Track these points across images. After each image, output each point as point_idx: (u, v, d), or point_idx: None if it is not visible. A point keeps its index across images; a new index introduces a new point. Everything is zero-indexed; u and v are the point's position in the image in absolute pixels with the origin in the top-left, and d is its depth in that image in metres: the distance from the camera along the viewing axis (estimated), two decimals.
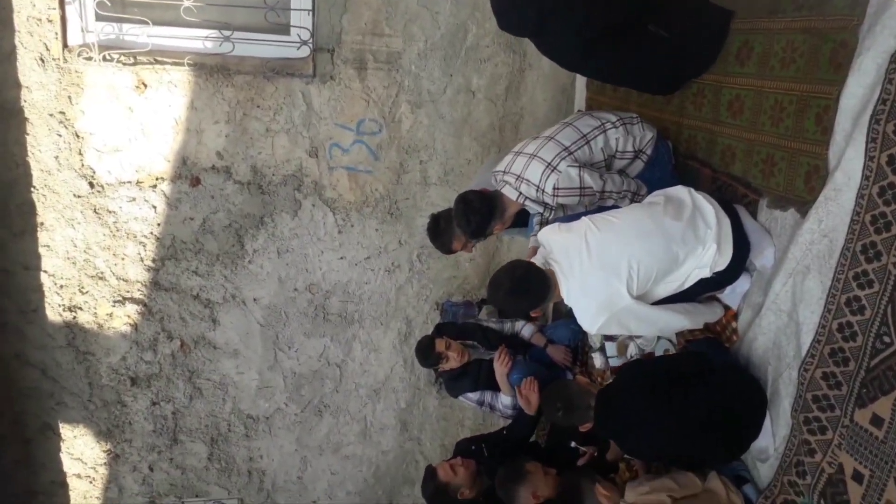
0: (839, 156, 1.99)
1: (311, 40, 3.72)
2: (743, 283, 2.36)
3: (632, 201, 2.66)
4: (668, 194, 2.34)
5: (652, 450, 2.41)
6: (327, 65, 3.78)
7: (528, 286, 2.31)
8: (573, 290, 2.26)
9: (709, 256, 2.17)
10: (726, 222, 2.21)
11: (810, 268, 2.09)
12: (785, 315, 2.20)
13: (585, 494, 2.48)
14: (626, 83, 3.03)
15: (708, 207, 2.23)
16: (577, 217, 2.57)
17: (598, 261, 2.19)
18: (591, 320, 2.27)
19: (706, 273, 2.19)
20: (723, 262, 2.20)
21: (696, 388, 2.27)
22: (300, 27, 3.73)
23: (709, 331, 2.51)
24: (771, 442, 2.24)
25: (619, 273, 2.16)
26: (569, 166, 2.59)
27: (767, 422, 2.24)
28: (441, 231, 3.24)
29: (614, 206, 2.70)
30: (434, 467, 3.30)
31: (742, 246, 2.23)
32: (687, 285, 2.23)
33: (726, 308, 2.44)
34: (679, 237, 2.18)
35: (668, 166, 2.82)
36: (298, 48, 3.76)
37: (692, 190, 2.32)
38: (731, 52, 2.54)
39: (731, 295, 2.39)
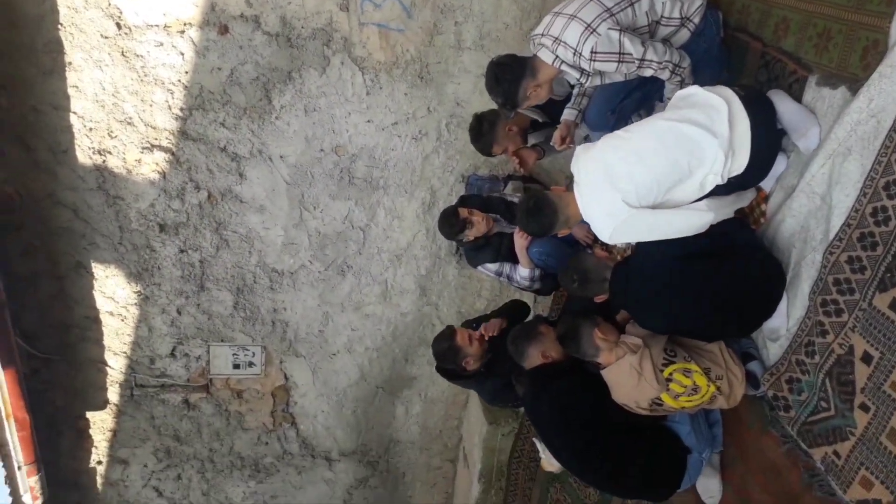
0: None
1: None
2: (779, 165, 2.29)
3: (672, 73, 2.54)
4: (681, 99, 2.26)
5: (665, 323, 2.45)
6: None
7: (539, 211, 2.48)
8: (584, 205, 2.35)
9: (718, 165, 2.10)
10: (743, 125, 2.11)
11: (852, 149, 2.01)
12: (818, 198, 2.15)
13: (583, 335, 2.54)
14: None
15: (719, 114, 2.12)
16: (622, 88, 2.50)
17: (602, 175, 2.25)
18: (601, 230, 2.35)
19: (720, 180, 2.13)
20: (738, 167, 2.13)
21: (714, 265, 2.28)
22: None
23: (737, 210, 2.47)
24: (784, 322, 2.26)
25: (616, 186, 2.20)
26: (609, 29, 2.46)
27: (783, 303, 2.24)
28: (483, 133, 3.20)
29: (653, 79, 2.59)
30: (455, 329, 3.42)
31: (767, 145, 2.15)
32: (706, 191, 2.18)
33: (758, 190, 2.39)
34: (679, 149, 2.13)
35: (715, 38, 2.67)
36: None
37: (708, 90, 2.21)
38: None
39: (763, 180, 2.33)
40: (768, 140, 2.17)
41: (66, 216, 3.90)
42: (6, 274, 3.72)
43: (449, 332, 3.41)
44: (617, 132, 2.40)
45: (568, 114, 3.10)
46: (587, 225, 3.42)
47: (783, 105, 2.23)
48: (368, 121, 4.08)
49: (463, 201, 3.67)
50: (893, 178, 1.87)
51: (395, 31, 3.88)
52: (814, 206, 2.16)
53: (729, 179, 2.16)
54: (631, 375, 2.34)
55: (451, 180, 4.36)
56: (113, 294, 4.17)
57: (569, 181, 2.99)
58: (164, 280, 4.20)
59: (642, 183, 2.20)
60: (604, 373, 2.47)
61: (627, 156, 2.22)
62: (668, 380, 2.29)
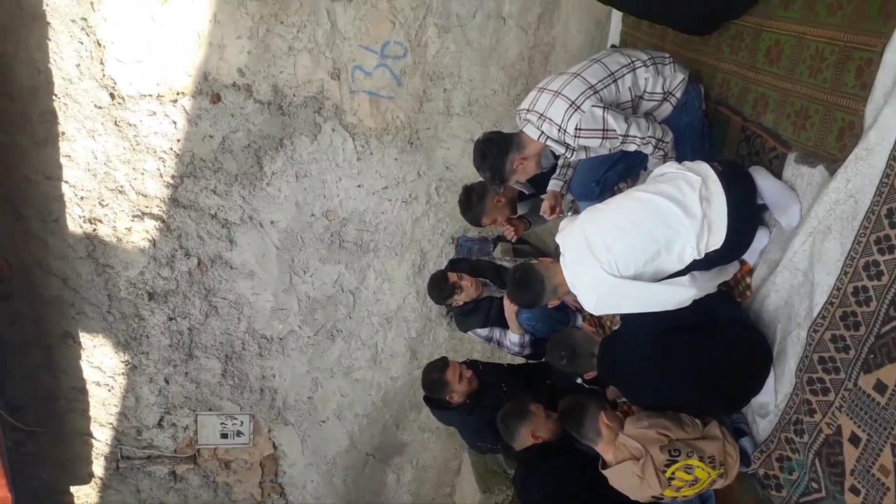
0: (875, 114, 1.90)
1: None
2: (761, 240, 2.30)
3: (655, 147, 2.58)
4: (657, 175, 2.30)
5: (653, 398, 2.43)
6: None
7: (526, 283, 2.48)
8: (569, 276, 2.34)
9: (692, 239, 2.12)
10: (719, 201, 2.12)
11: (832, 228, 2.02)
12: (801, 274, 2.15)
13: (588, 416, 2.51)
14: (663, 20, 2.89)
15: (692, 191, 2.15)
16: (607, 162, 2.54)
17: (583, 247, 2.27)
18: (586, 301, 2.35)
19: (696, 255, 2.15)
20: (715, 242, 2.14)
21: (700, 340, 2.27)
22: None
23: (722, 284, 2.47)
24: (772, 398, 2.24)
25: (597, 257, 2.21)
26: (593, 106, 2.50)
27: (771, 378, 2.23)
28: (472, 205, 3.24)
29: (637, 154, 2.62)
30: (448, 362, 3.40)
31: (745, 220, 2.17)
32: (685, 262, 2.19)
33: (742, 263, 2.39)
34: (656, 223, 2.16)
35: (697, 112, 2.70)
36: None
37: (686, 165, 2.25)
38: None
39: (749, 251, 2.34)
40: (747, 216, 2.18)
41: (56, 285, 3.90)
42: None
43: (442, 364, 3.40)
44: (598, 205, 2.44)
45: (554, 185, 3.13)
46: None
47: (764, 181, 2.26)
48: (359, 185, 4.12)
49: (453, 265, 3.67)
50: (872, 258, 1.87)
51: (385, 99, 3.95)
52: (797, 282, 2.16)
53: (707, 254, 2.17)
54: (633, 479, 2.30)
55: (440, 242, 4.38)
56: (100, 364, 4.13)
57: (557, 251, 3.02)
58: (152, 349, 4.17)
59: (621, 254, 2.22)
60: (605, 473, 2.42)
61: (606, 228, 2.26)
62: (671, 479, 2.25)
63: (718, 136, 2.67)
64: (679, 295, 2.24)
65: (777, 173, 2.32)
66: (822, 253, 2.05)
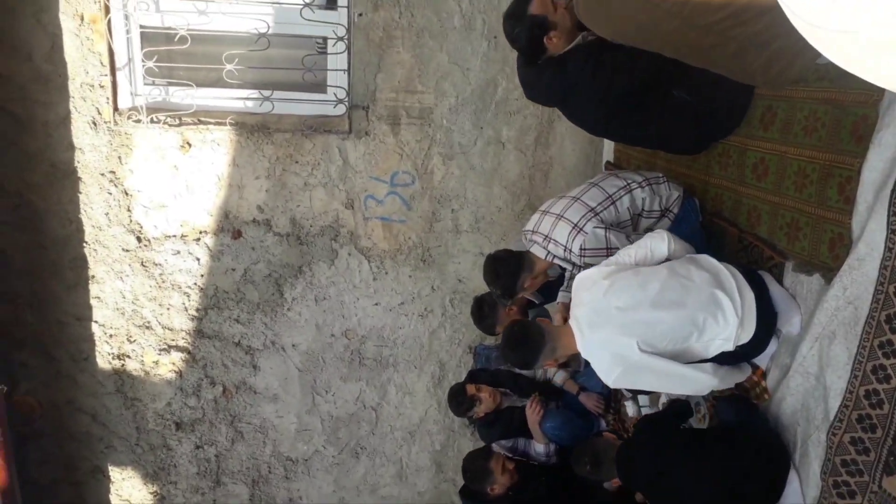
0: (862, 226, 2.05)
1: (347, 98, 3.89)
2: (771, 345, 2.41)
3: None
4: (692, 260, 2.39)
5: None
6: (362, 121, 3.93)
7: (524, 340, 2.44)
8: (588, 342, 2.32)
9: (731, 330, 2.21)
10: (749, 296, 2.24)
11: (836, 333, 2.14)
12: (812, 378, 2.25)
13: None
14: (652, 146, 3.12)
15: (730, 281, 2.25)
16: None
17: (615, 317, 2.25)
18: (606, 372, 2.32)
19: (729, 347, 2.22)
20: (746, 336, 2.23)
21: (717, 444, 2.34)
22: (336, 86, 3.90)
23: (737, 387, 2.57)
24: (801, 502, 2.28)
25: (635, 332, 2.21)
26: (595, 227, 2.67)
27: (795, 482, 2.28)
28: (485, 315, 3.36)
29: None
30: (492, 452, 3.45)
31: (768, 318, 2.28)
32: (710, 354, 2.27)
33: (754, 367, 2.50)
34: (698, 306, 2.20)
35: (694, 224, 2.88)
36: (335, 106, 3.93)
37: (713, 260, 2.36)
38: (755, 116, 2.61)
39: (760, 355, 2.44)
40: (768, 314, 2.30)
41: (85, 422, 3.98)
42: (24, 482, 3.73)
43: (486, 452, 3.42)
44: (629, 273, 2.38)
45: (563, 297, 3.26)
46: (596, 395, 3.53)
47: (771, 285, 2.39)
48: (376, 304, 4.26)
49: (471, 376, 3.76)
50: (878, 362, 1.98)
51: (397, 223, 4.16)
52: (810, 386, 2.26)
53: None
54: None
55: (458, 352, 4.48)
56: (129, 496, 4.15)
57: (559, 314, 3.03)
58: (180, 478, 4.20)
59: (659, 332, 2.22)
60: None
61: (647, 300, 2.24)
62: None
63: (717, 246, 2.84)
64: (702, 381, 2.29)
65: (778, 281, 2.46)
66: (830, 357, 2.16)
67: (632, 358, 2.22)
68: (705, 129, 2.74)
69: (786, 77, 2.10)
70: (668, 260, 2.41)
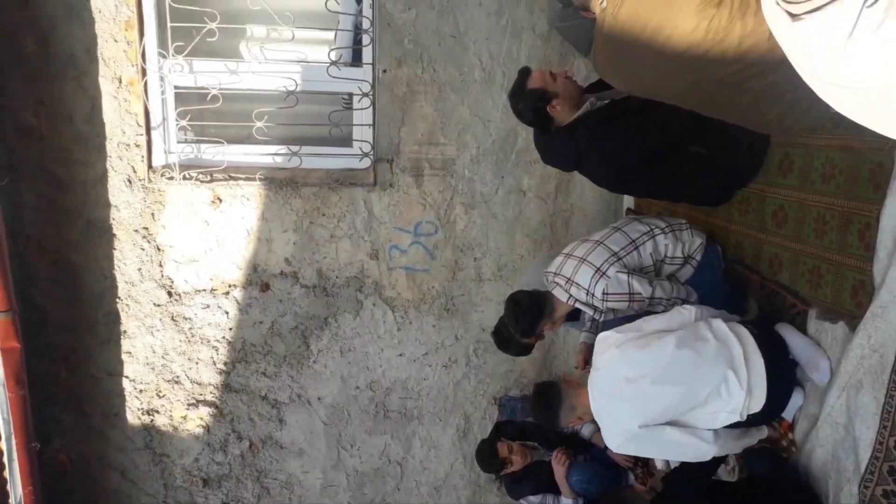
0: (883, 273, 2.05)
1: (372, 152, 3.99)
2: (797, 399, 2.38)
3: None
4: (705, 326, 2.38)
5: None
6: (387, 173, 4.02)
7: (543, 399, 2.59)
8: (598, 407, 2.42)
9: (736, 403, 2.21)
10: (759, 365, 2.22)
11: (863, 382, 2.11)
12: (841, 428, 2.21)
13: None
14: (672, 199, 3.14)
15: (738, 351, 2.24)
16: (631, 319, 2.67)
17: (623, 388, 2.33)
18: (611, 439, 2.42)
19: (737, 418, 2.23)
20: (756, 406, 2.22)
21: (746, 499, 2.30)
22: (362, 140, 4.01)
23: (765, 440, 2.52)
24: None
25: (635, 403, 2.29)
26: (618, 272, 2.69)
27: None
28: (507, 339, 3.37)
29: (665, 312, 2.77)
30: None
31: (783, 382, 2.26)
32: (718, 425, 2.26)
33: (781, 419, 2.45)
34: (702, 381, 2.23)
35: (718, 271, 2.88)
36: (361, 159, 4.03)
37: (723, 325, 2.35)
38: (773, 163, 2.64)
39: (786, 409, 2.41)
40: (783, 379, 2.28)
41: (114, 478, 4.02)
42: None
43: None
44: (641, 343, 2.44)
45: (586, 337, 3.27)
46: None
47: (793, 340, 2.37)
48: (400, 354, 4.28)
49: (498, 430, 3.73)
50: None
51: (420, 272, 4.20)
52: (839, 437, 2.21)
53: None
54: None
55: (483, 404, 4.45)
56: None
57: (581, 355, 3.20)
58: None
59: (660, 405, 2.28)
60: None
61: (650, 375, 2.29)
62: None
63: (739, 293, 2.83)
64: (701, 449, 2.31)
65: (801, 328, 2.44)
66: (857, 407, 2.13)
67: (633, 430, 2.30)
68: (724, 181, 2.77)
69: (801, 126, 2.12)
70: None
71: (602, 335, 2.53)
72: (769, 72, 1.92)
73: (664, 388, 2.27)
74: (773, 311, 2.62)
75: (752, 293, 2.73)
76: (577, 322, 3.44)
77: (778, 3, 1.40)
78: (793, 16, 1.38)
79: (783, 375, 2.27)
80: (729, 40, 1.92)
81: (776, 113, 2.06)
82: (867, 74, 1.33)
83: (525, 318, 2.90)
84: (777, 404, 2.27)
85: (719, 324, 2.37)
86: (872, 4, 1.26)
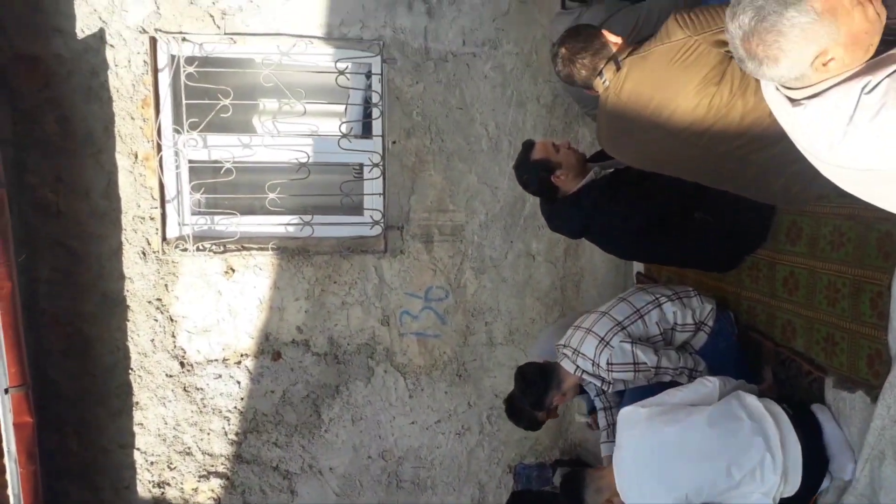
0: None
1: (382, 220, 4.04)
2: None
3: (690, 378, 2.71)
4: (737, 404, 2.32)
5: None
6: (397, 240, 4.07)
7: (569, 491, 2.51)
8: (623, 486, 2.34)
9: (770, 486, 2.16)
10: (796, 449, 2.17)
11: (885, 454, 2.08)
12: (866, 500, 2.17)
13: None
14: (680, 266, 3.16)
15: (774, 433, 2.19)
16: (649, 392, 2.64)
17: (653, 468, 2.27)
18: None
19: (768, 501, 2.17)
20: (790, 490, 2.17)
21: None
22: (372, 209, 4.07)
23: None
24: None
25: (670, 490, 2.22)
26: (622, 342, 2.70)
27: None
28: (518, 411, 3.34)
29: (673, 383, 2.74)
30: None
31: (817, 469, 2.20)
32: None
33: None
34: (736, 461, 2.18)
35: (731, 338, 2.88)
36: (371, 227, 4.08)
37: (757, 402, 2.30)
38: (781, 231, 2.65)
39: None
40: (818, 463, 2.22)
41: None
42: None
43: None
44: (669, 418, 2.36)
45: (606, 449, 3.23)
46: None
47: (828, 427, 2.27)
48: (412, 422, 4.24)
49: (515, 499, 3.66)
50: None
51: (431, 338, 4.20)
52: None
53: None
54: None
55: (498, 472, 4.38)
56: None
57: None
58: None
59: (692, 485, 2.21)
60: None
61: (681, 453, 2.24)
62: None
63: (754, 360, 2.81)
64: None
65: (817, 397, 2.41)
66: (881, 479, 2.09)
67: None
68: (731, 248, 2.79)
69: (807, 196, 2.15)
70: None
71: (625, 411, 2.49)
72: (772, 145, 1.95)
73: (695, 467, 2.21)
74: (788, 378, 2.60)
75: (767, 360, 2.71)
76: (584, 394, 3.43)
77: (778, 89, 1.44)
78: (793, 101, 1.42)
79: (818, 460, 2.22)
80: (731, 116, 1.97)
81: (781, 183, 2.09)
82: (867, 158, 1.36)
83: (533, 391, 2.91)
84: (810, 487, 2.21)
85: (753, 401, 2.31)
86: (871, 91, 1.31)
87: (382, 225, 4.06)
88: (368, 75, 4.00)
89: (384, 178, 4.02)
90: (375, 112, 3.97)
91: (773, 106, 1.49)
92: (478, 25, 3.92)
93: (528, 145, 2.95)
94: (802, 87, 1.36)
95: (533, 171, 2.91)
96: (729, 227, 2.70)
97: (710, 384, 2.46)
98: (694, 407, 2.38)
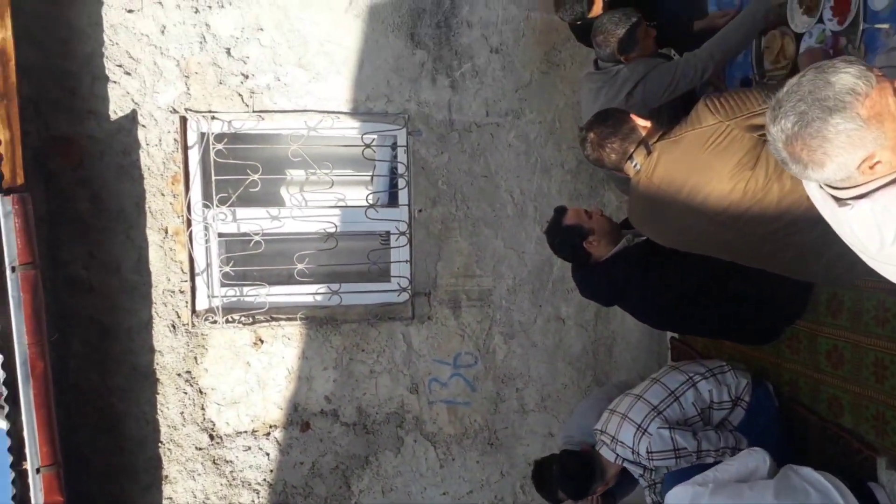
0: None
1: (409, 287, 4.03)
2: None
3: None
4: (796, 476, 2.26)
5: None
6: (425, 307, 4.05)
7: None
8: None
9: None
10: None
11: None
12: None
13: None
14: (714, 337, 3.10)
15: (841, 501, 2.12)
16: (693, 472, 2.56)
17: None
18: None
19: None
20: None
21: None
22: (400, 276, 4.06)
23: None
24: None
25: None
26: (659, 428, 2.63)
27: None
28: (545, 480, 3.26)
29: (716, 462, 2.66)
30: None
31: None
32: None
33: None
34: None
35: (772, 412, 2.79)
36: (399, 294, 4.07)
37: (820, 477, 2.23)
38: (820, 302, 2.59)
39: None
40: None
41: None
42: None
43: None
44: (731, 492, 2.30)
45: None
46: None
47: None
48: (444, 493, 4.15)
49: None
50: None
51: (461, 405, 4.14)
52: None
53: None
54: None
55: None
56: None
57: None
58: None
59: None
60: None
61: None
62: None
63: (799, 435, 2.71)
64: None
65: (869, 475, 2.32)
66: None
67: None
68: (769, 320, 2.72)
69: (850, 276, 2.09)
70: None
71: (676, 491, 2.42)
72: (812, 227, 1.91)
73: None
74: (836, 455, 2.50)
75: (813, 435, 2.62)
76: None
77: (822, 187, 1.42)
78: (838, 200, 1.39)
79: None
80: (768, 199, 1.94)
81: (822, 264, 2.04)
82: None
83: (574, 484, 2.86)
84: None
85: (811, 473, 2.25)
86: None
87: (410, 291, 4.05)
88: (394, 146, 4.05)
89: (411, 246, 4.03)
90: (401, 182, 4.00)
91: (816, 202, 1.47)
92: (500, 96, 3.96)
93: (561, 211, 2.93)
94: (848, 188, 1.33)
95: (565, 237, 2.88)
96: (766, 299, 2.64)
97: (757, 454, 2.39)
98: (753, 482, 2.30)
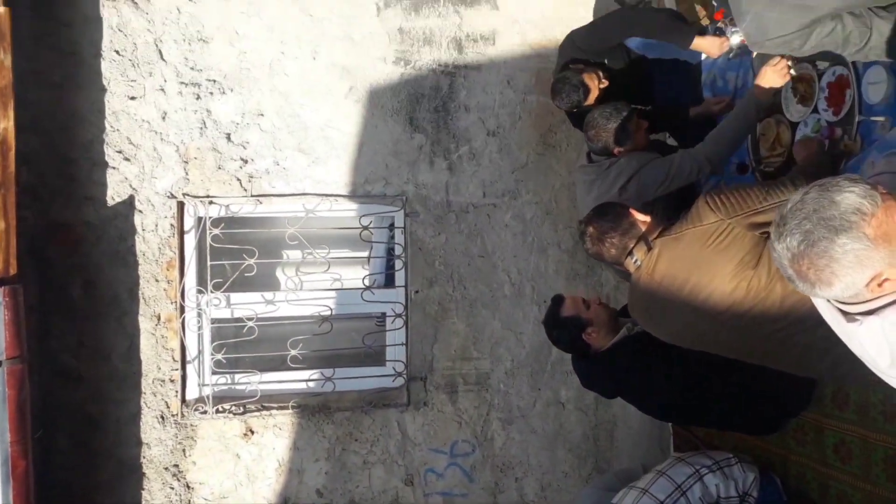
0: None
1: (405, 371, 3.96)
2: None
3: None
4: None
5: None
6: (420, 392, 3.96)
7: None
8: None
9: None
10: None
11: None
12: None
13: None
14: (718, 428, 3.04)
15: None
16: None
17: None
18: None
19: None
20: None
21: None
22: (395, 360, 4.00)
23: None
24: None
25: None
26: None
27: None
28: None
29: None
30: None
31: None
32: None
33: None
34: None
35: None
36: (394, 379, 3.99)
37: None
38: (825, 395, 2.54)
39: None
40: None
41: None
42: None
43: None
44: None
45: None
46: None
47: None
48: None
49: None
50: None
51: (458, 497, 4.00)
52: None
53: None
54: None
55: None
56: None
57: None
58: None
59: None
60: None
61: None
62: None
63: None
64: None
65: None
66: None
67: None
68: (772, 412, 2.67)
69: (856, 375, 2.05)
70: None
71: None
72: (816, 327, 1.87)
73: None
74: None
75: None
76: None
77: (830, 302, 1.40)
78: (846, 315, 1.37)
79: None
80: (771, 299, 1.92)
81: (828, 363, 2.00)
82: None
83: None
84: None
85: None
86: None
87: (405, 376, 3.97)
88: (391, 228, 4.06)
89: (407, 328, 3.98)
90: (398, 263, 3.99)
91: (824, 314, 1.45)
92: (497, 178, 4.00)
93: (558, 301, 2.89)
94: (857, 304, 1.31)
95: (563, 329, 2.84)
96: (769, 391, 2.59)
97: None
98: None
